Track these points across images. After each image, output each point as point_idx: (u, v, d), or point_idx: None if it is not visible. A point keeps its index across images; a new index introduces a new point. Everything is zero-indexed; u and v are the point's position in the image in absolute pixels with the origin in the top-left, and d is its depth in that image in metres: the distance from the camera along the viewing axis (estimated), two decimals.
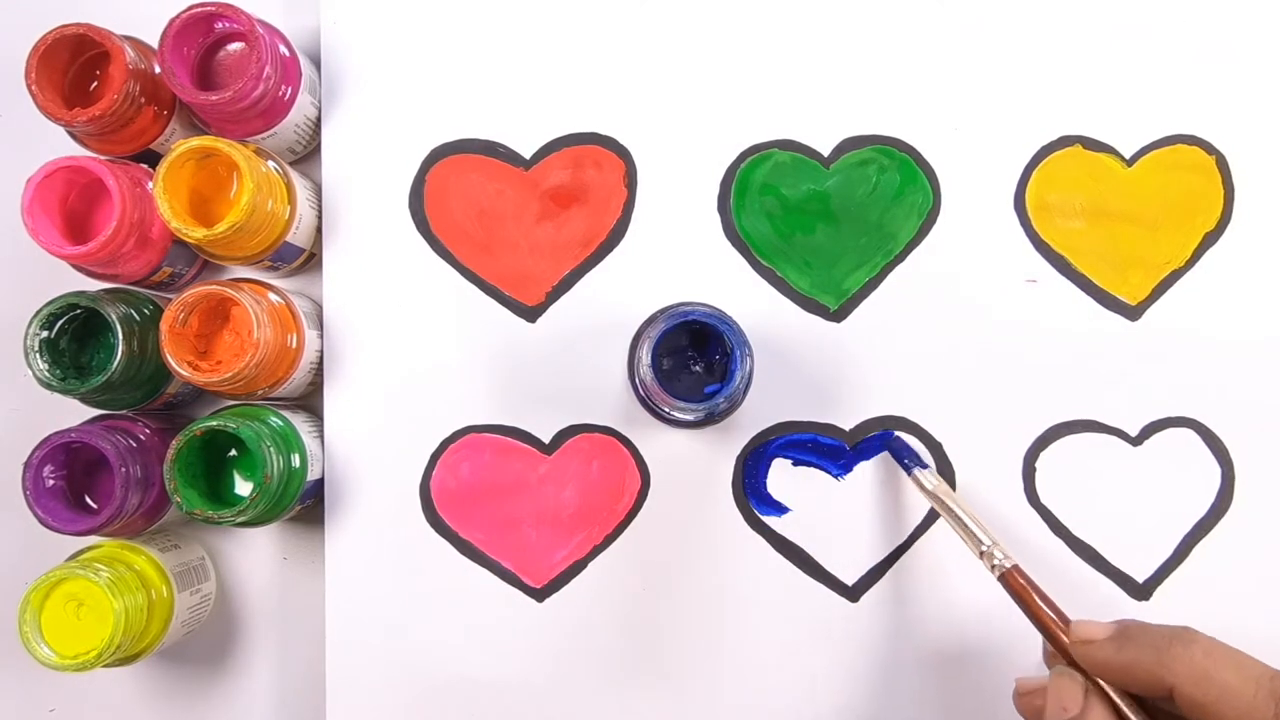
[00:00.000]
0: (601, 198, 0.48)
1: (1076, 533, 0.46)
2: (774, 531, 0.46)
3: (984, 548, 0.40)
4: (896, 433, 0.46)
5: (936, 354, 0.47)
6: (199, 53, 0.45)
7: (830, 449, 0.46)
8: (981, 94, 0.48)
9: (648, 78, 0.48)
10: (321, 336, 0.47)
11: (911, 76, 0.48)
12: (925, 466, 0.45)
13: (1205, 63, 0.48)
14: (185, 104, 0.44)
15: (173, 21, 0.43)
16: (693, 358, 0.44)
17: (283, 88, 0.44)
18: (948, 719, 0.46)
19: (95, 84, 0.45)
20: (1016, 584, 0.39)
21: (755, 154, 0.48)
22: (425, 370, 0.47)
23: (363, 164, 0.48)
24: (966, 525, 0.41)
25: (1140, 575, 0.46)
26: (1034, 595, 0.38)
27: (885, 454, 0.46)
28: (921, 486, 0.44)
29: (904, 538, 0.46)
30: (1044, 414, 0.47)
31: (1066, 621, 0.37)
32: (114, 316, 0.42)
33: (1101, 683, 0.35)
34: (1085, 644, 0.35)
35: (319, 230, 0.47)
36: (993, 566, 0.39)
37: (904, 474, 0.45)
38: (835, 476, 0.46)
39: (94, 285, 0.45)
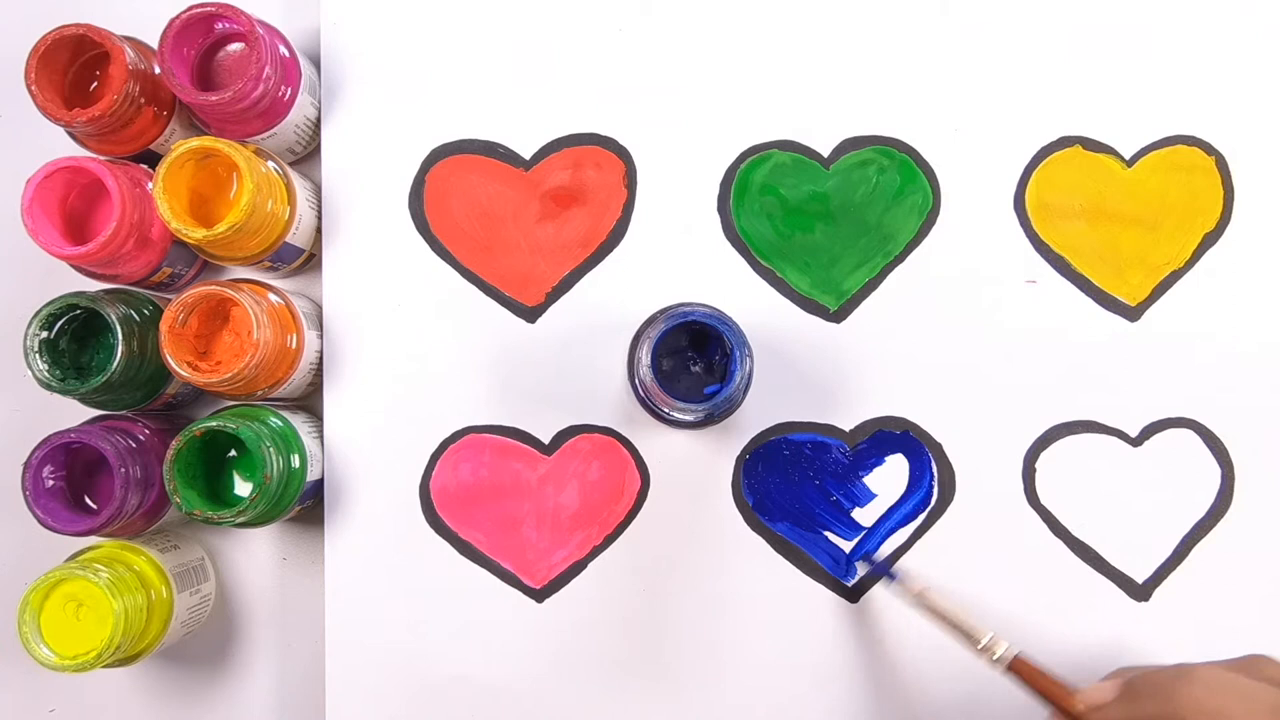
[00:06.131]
0: (601, 198, 0.48)
1: (1076, 533, 0.46)
2: (774, 532, 0.46)
3: (984, 642, 0.40)
4: (879, 558, 0.46)
5: (936, 354, 0.47)
6: (199, 53, 0.45)
7: (840, 471, 0.46)
8: (981, 94, 0.48)
9: (647, 78, 0.48)
10: (321, 337, 0.47)
11: (911, 77, 0.48)
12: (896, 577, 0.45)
13: (1205, 63, 0.48)
14: (185, 104, 0.44)
15: (173, 22, 0.43)
16: (693, 358, 0.44)
17: (283, 88, 0.44)
18: (946, 719, 0.46)
19: (95, 84, 0.45)
20: (1023, 671, 0.39)
21: (755, 154, 0.48)
22: (425, 370, 0.47)
23: (363, 164, 0.48)
24: (961, 625, 0.41)
25: (1140, 576, 0.46)
26: (1041, 677, 0.39)
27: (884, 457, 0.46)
28: (913, 595, 0.43)
29: (903, 540, 0.46)
30: (1044, 414, 0.47)
31: (1069, 692, 0.38)
32: (114, 317, 0.42)
33: None
34: (1097, 710, 0.36)
35: (319, 230, 0.47)
36: (995, 660, 0.40)
37: (903, 476, 0.45)
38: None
39: (94, 285, 0.45)
